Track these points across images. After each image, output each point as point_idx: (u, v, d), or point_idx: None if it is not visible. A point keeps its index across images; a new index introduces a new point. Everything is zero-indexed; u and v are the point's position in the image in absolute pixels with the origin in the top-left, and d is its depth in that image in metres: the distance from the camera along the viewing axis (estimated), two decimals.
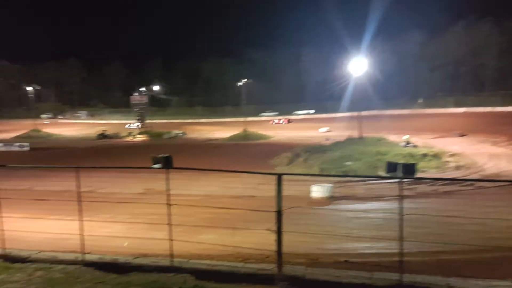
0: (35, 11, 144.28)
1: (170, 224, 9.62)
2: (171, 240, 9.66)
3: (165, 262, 9.74)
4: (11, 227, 11.13)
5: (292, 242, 8.23)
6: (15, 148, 46.31)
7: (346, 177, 25.41)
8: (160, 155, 8.88)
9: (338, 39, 78.15)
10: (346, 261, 9.59)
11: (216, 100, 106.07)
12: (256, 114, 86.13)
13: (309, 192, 19.13)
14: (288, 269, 8.49)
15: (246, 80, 64.58)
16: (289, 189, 8.82)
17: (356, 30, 67.66)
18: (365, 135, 40.24)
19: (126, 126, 77.75)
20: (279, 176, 8.10)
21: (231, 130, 59.75)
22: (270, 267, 8.83)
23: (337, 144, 37.26)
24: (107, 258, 10.37)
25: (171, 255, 9.68)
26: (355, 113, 46.75)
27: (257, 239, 8.79)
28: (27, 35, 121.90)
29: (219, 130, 65.53)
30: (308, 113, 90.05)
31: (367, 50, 53.39)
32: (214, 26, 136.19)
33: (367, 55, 47.06)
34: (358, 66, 42.65)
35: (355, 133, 40.70)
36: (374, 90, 64.16)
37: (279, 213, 8.02)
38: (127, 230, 11.08)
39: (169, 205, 9.64)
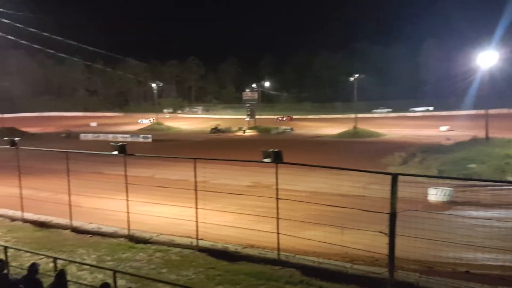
0: (160, 14, 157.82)
1: (277, 218, 9.73)
2: (278, 233, 9.77)
3: (272, 254, 9.90)
4: (135, 210, 12.33)
5: (405, 247, 7.75)
6: (140, 139, 51.69)
7: (469, 180, 23.11)
8: (271, 150, 8.95)
9: (462, 31, 71.40)
10: (466, 272, 8.78)
11: (326, 96, 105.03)
12: (369, 111, 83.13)
13: (425, 195, 17.86)
14: (400, 275, 7.99)
15: (358, 75, 62.31)
16: (403, 190, 8.28)
17: (484, 21, 61.05)
18: (492, 135, 36.15)
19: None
20: (395, 176, 7.61)
21: (340, 126, 58.53)
22: (381, 271, 8.40)
23: (459, 145, 34.01)
24: (219, 245, 10.92)
25: (278, 249, 9.79)
26: (481, 111, 42.22)
27: (367, 241, 8.44)
28: (154, 36, 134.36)
29: (327, 126, 64.68)
30: (427, 110, 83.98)
31: (498, 42, 47.61)
32: (324, 20, 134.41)
33: (498, 47, 41.98)
34: (487, 60, 38.33)
35: (481, 133, 36.79)
36: (506, 86, 57.37)
37: (392, 215, 7.55)
38: (236, 220, 11.47)
39: (277, 199, 9.76)
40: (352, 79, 62.45)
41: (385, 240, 7.68)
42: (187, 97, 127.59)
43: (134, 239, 11.74)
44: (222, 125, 66.30)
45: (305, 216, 11.41)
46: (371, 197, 12.91)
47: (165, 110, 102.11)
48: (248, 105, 68.67)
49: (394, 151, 32.10)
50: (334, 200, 11.02)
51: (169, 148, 41.78)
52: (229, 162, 13.85)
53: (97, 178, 16.93)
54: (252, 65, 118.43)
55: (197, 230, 11.01)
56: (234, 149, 39.55)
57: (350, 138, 50.53)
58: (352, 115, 62.15)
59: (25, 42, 19.19)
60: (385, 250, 7.75)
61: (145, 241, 11.58)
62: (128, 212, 12.08)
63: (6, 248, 8.95)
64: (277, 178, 9.47)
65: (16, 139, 14.66)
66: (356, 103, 63.47)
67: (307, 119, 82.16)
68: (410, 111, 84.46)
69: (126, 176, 12.11)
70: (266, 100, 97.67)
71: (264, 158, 9.13)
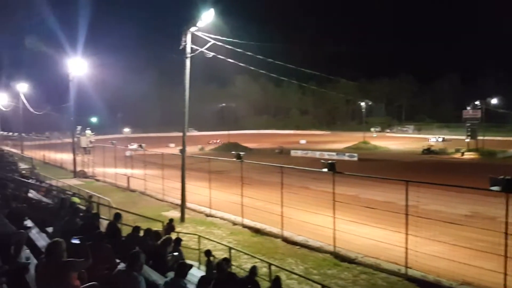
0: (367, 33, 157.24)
1: (505, 256, 8.29)
2: (505, 274, 8.33)
3: None
4: (340, 228, 12.46)
5: None
6: (345, 157, 52.05)
7: None
8: (502, 177, 7.72)
9: None
10: None
11: None
12: None
13: None
14: None
15: None
16: None
17: None
18: None
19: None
20: None
21: None
22: None
23: None
24: (430, 277, 10.03)
25: None
26: None
27: None
28: (365, 54, 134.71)
29: None
30: None
31: None
32: None
33: None
34: None
35: None
36: None
37: None
38: (449, 252, 10.32)
39: (506, 234, 8.32)
40: None
41: None
42: (396, 115, 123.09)
43: (340, 257, 11.85)
44: (436, 146, 61.10)
45: None
46: None
47: (372, 129, 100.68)
48: (468, 124, 61.37)
49: None
50: None
51: (374, 167, 40.78)
52: (442, 187, 12.66)
53: (304, 192, 17.82)
54: (474, 80, 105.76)
55: (406, 258, 10.38)
56: (449, 173, 35.79)
57: None
58: None
59: (252, 68, 21.88)
60: None
61: (350, 261, 11.55)
62: (334, 229, 12.30)
63: (230, 248, 10.29)
64: (507, 210, 8.13)
65: (241, 153, 16.85)
66: None
67: None
68: None
69: (334, 193, 12.39)
70: (493, 120, 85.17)
71: (492, 186, 7.95)
